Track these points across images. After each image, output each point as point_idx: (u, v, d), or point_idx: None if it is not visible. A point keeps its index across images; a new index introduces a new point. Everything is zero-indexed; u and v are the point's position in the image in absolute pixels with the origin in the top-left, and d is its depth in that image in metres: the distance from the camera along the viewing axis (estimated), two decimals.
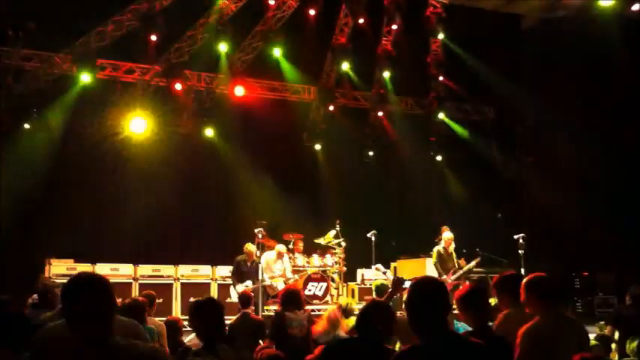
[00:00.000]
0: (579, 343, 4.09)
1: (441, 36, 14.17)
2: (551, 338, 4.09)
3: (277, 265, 11.60)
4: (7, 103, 12.27)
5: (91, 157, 13.90)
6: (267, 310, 10.74)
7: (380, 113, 15.68)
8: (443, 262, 11.68)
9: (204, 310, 4.17)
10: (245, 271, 11.16)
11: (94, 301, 2.55)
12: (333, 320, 6.29)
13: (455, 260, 11.70)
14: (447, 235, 11.89)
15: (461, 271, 11.48)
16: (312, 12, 12.56)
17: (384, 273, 11.89)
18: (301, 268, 12.29)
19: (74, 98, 13.23)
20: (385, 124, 15.91)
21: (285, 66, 14.12)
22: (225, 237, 14.53)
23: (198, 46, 13.30)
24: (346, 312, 6.49)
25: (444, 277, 11.39)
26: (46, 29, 11.94)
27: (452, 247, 11.80)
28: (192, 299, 11.03)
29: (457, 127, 16.20)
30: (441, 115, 15.72)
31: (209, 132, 14.21)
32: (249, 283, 10.94)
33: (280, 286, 11.48)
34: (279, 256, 11.57)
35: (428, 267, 12.66)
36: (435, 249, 11.94)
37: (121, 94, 13.41)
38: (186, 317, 10.33)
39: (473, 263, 11.44)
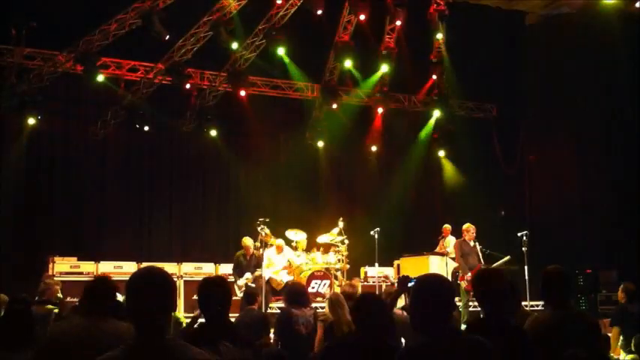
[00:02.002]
0: (582, 338, 4.05)
1: (443, 33, 14.13)
2: (551, 331, 4.08)
3: (279, 259, 11.67)
4: (9, 101, 12.28)
5: (94, 156, 13.95)
6: (270, 307, 10.75)
7: (382, 110, 15.67)
8: (465, 257, 11.20)
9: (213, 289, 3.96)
10: (244, 264, 11.25)
11: (154, 295, 2.55)
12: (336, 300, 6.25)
13: (480, 256, 11.25)
14: (466, 226, 11.42)
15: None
16: (316, 10, 12.49)
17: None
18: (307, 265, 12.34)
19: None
20: (387, 121, 15.90)
21: (288, 64, 14.10)
22: (227, 234, 14.56)
23: (202, 44, 13.28)
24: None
25: (468, 274, 10.94)
26: (49, 28, 11.96)
27: (474, 242, 11.45)
28: (195, 297, 11.06)
29: None
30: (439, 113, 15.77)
31: (212, 132, 14.22)
32: (248, 275, 11.02)
33: (284, 278, 11.53)
34: (279, 250, 11.67)
35: (431, 265, 12.64)
36: (455, 242, 11.77)
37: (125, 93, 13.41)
38: (189, 315, 10.38)
39: (501, 262, 11.20)
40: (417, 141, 16.40)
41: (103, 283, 3.91)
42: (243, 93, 13.97)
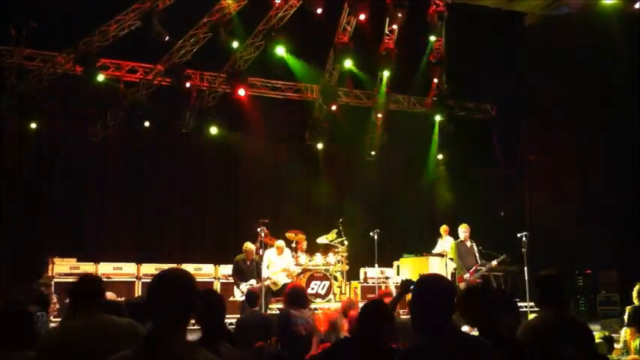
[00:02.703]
0: (578, 341, 4.06)
1: (442, 34, 14.15)
2: (545, 334, 4.09)
3: (279, 260, 11.66)
4: (10, 102, 12.29)
5: (94, 156, 13.96)
6: (270, 309, 10.75)
7: (381, 112, 15.68)
8: (462, 257, 11.24)
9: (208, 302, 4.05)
10: (245, 269, 11.20)
11: (175, 295, 2.59)
12: (334, 322, 6.31)
13: (477, 256, 11.31)
14: (462, 227, 11.55)
15: (484, 269, 11.07)
16: (315, 9, 12.44)
17: None
18: (306, 266, 12.33)
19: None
20: (387, 122, 15.90)
21: (288, 64, 14.09)
22: (227, 235, 14.56)
23: (201, 45, 13.28)
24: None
25: (466, 275, 11.01)
26: (49, 29, 11.97)
27: (470, 242, 11.48)
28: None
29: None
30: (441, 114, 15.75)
31: (213, 130, 14.21)
32: (253, 281, 10.96)
33: (282, 280, 11.52)
34: (280, 251, 11.66)
35: (431, 265, 12.65)
36: (453, 242, 11.82)
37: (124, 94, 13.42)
38: None
39: (495, 262, 11.22)
40: (417, 142, 16.40)
41: (91, 281, 3.93)
42: (242, 94, 13.95)
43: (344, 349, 4.27)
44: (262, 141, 15.13)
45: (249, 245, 11.25)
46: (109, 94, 13.38)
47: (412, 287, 4.74)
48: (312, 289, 11.89)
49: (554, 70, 14.97)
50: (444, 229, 13.19)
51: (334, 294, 12.11)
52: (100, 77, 12.68)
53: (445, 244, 12.92)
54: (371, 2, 12.86)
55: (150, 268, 12.15)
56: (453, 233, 12.89)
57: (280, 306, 9.62)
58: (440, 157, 16.42)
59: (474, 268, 11.19)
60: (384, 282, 13.04)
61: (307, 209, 14.54)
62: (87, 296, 3.73)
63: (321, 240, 12.87)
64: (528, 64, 15.80)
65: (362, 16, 12.95)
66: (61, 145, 13.72)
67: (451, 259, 12.05)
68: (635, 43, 12.97)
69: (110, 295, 9.20)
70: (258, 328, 6.88)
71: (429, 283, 3.26)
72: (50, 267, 11.30)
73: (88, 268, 11.49)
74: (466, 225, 11.67)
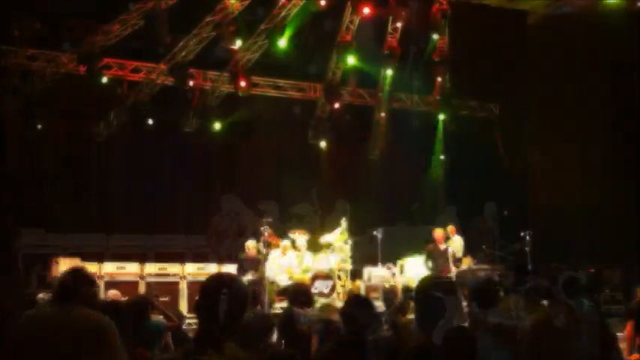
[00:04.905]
0: (592, 339, 4.05)
1: (446, 32, 14.14)
2: (557, 332, 4.08)
3: (283, 261, 11.67)
4: (14, 103, 12.32)
5: (98, 155, 14.00)
6: (274, 308, 10.76)
7: (385, 111, 15.67)
8: (434, 261, 11.57)
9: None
10: (246, 268, 11.26)
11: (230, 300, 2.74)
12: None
13: (449, 259, 11.55)
14: (435, 231, 11.92)
15: (452, 276, 11.12)
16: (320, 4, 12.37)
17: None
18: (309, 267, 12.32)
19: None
20: (390, 121, 15.89)
21: (291, 63, 14.08)
22: (231, 235, 14.57)
23: (204, 44, 13.29)
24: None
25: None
26: (52, 29, 11.99)
27: (445, 246, 11.72)
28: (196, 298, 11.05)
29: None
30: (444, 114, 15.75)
31: (215, 129, 14.22)
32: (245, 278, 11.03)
33: (284, 281, 11.53)
34: (284, 251, 11.68)
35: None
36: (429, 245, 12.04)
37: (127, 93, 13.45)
38: (193, 315, 10.38)
39: (465, 267, 11.30)
40: (420, 141, 16.38)
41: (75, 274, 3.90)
42: (245, 92, 13.95)
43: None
44: (265, 140, 15.13)
45: (248, 243, 11.34)
46: (112, 95, 13.39)
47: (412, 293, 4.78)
48: (316, 288, 11.86)
49: (557, 69, 14.95)
50: (450, 229, 13.19)
51: (338, 293, 12.10)
52: (104, 77, 12.70)
53: (455, 243, 12.91)
54: (374, 1, 12.81)
55: (153, 268, 12.18)
56: (459, 233, 12.90)
57: (284, 305, 9.63)
58: (442, 157, 16.42)
59: (444, 271, 11.28)
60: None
61: (310, 208, 14.52)
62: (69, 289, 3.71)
63: (325, 239, 12.87)
64: (530, 63, 15.78)
65: (366, 10, 12.78)
66: (65, 144, 13.75)
67: (458, 260, 12.12)
68: (637, 42, 12.94)
69: (114, 293, 9.23)
70: (258, 327, 6.88)
71: (430, 283, 3.28)
72: (54, 267, 11.32)
73: (92, 267, 11.51)
74: (441, 229, 11.83)
